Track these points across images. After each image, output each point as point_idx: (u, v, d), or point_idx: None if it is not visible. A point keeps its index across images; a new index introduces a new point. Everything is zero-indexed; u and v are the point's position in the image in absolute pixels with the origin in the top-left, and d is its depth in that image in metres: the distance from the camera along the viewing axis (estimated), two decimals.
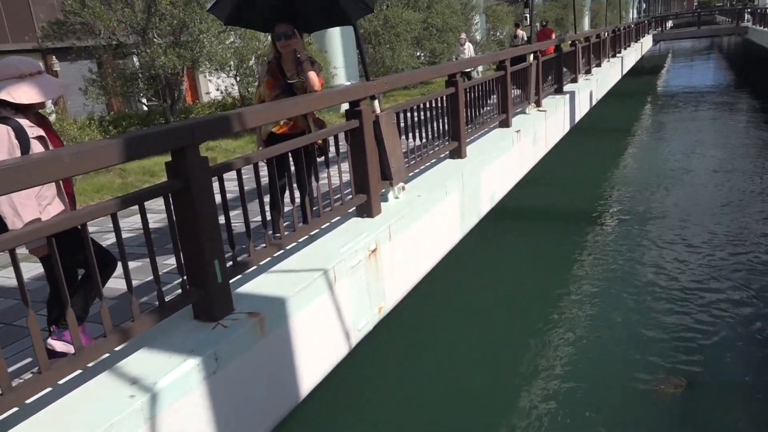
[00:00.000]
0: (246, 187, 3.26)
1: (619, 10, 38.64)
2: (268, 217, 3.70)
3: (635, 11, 62.16)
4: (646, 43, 34.22)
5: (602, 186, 13.93)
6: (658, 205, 12.10)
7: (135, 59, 11.74)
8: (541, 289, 8.76)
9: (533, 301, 8.32)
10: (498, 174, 6.82)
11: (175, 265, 2.82)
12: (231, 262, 3.11)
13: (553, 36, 15.98)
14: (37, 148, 2.74)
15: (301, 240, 3.84)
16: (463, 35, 15.88)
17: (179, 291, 2.88)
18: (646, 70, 37.30)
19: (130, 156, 2.44)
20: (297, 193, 3.87)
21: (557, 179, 13.91)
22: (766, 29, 30.44)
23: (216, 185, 2.91)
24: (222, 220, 2.96)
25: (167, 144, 2.63)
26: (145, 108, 13.07)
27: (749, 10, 44.91)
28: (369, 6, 4.58)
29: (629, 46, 24.19)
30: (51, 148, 2.82)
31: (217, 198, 2.90)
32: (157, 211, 5.37)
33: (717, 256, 9.19)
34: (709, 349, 6.76)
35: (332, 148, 4.42)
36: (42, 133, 2.82)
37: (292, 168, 3.96)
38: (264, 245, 3.39)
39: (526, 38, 20.12)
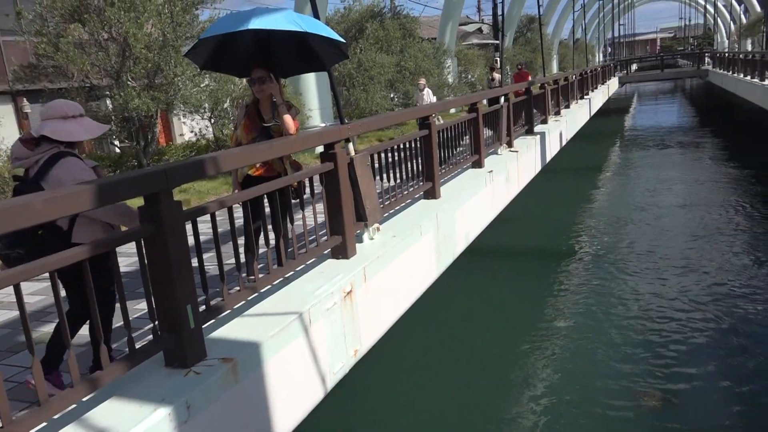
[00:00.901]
0: (220, 229, 3.24)
1: (586, 53, 39.96)
2: (243, 260, 3.68)
3: (601, 55, 64.37)
4: (613, 85, 35.33)
5: (574, 222, 14.22)
6: (629, 238, 12.51)
7: (108, 101, 11.72)
8: (519, 323, 8.94)
9: (512, 336, 8.45)
10: (472, 213, 6.89)
11: (146, 311, 2.77)
12: (204, 307, 3.07)
13: (530, 78, 16.43)
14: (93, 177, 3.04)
15: (275, 283, 3.81)
16: (422, 80, 15.12)
17: (150, 337, 2.83)
18: (613, 111, 38.48)
19: (103, 202, 2.42)
20: (272, 235, 3.86)
21: (530, 217, 14.12)
22: (725, 72, 31.73)
23: (189, 227, 2.89)
24: (195, 263, 2.93)
25: (140, 189, 2.62)
26: (118, 150, 12.99)
27: (709, 53, 46.85)
28: (344, 52, 4.69)
29: (596, 88, 24.93)
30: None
31: (190, 239, 2.87)
32: (127, 254, 5.28)
33: (685, 286, 9.60)
34: (683, 369, 7.10)
35: (307, 189, 4.44)
36: (95, 164, 3.19)
37: (267, 210, 3.96)
38: (238, 288, 3.36)
39: (500, 80, 20.69)
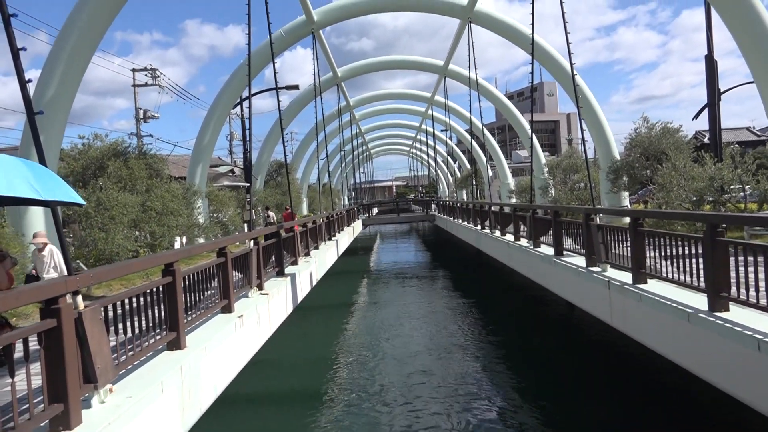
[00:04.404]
0: None
1: (332, 197, 43.14)
2: None
3: (346, 198, 70.21)
4: (357, 226, 38.42)
5: (329, 358, 14.56)
6: (381, 366, 13.64)
7: None
8: None
9: None
10: (221, 362, 6.58)
11: None
12: None
13: (297, 217, 17.20)
14: None
15: None
16: (40, 234, 7.60)
17: None
18: (360, 249, 41.71)
19: None
20: None
21: (285, 358, 14.06)
22: (446, 216, 36.90)
23: None
24: None
25: None
26: None
27: (434, 201, 54.28)
28: (78, 203, 4.27)
29: (343, 229, 26.81)
30: None
31: None
32: None
33: (430, 394, 11.29)
34: None
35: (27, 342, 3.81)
36: None
37: None
38: None
39: (275, 218, 21.11)
